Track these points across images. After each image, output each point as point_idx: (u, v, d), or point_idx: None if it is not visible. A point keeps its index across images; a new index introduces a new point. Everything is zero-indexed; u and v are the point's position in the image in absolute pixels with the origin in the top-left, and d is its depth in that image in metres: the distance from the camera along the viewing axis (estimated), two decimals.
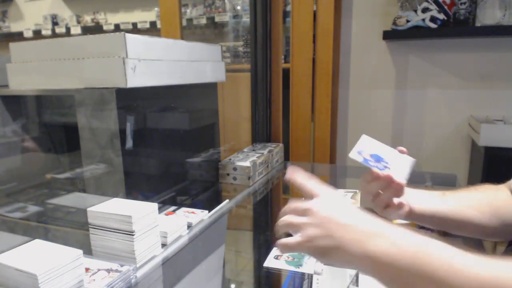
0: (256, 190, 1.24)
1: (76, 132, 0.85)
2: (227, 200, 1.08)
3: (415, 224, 0.93)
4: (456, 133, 1.75)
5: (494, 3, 1.53)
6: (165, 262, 0.76)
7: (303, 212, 0.50)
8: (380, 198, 0.66)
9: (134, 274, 0.67)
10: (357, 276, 0.73)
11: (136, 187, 0.88)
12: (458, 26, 1.59)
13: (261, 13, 1.54)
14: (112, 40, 0.80)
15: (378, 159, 0.65)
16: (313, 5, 1.73)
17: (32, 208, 1.00)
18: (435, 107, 1.76)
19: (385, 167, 0.64)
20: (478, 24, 1.56)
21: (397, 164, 0.65)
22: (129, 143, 0.85)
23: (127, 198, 0.81)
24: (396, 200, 0.65)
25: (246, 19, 2.54)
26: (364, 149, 0.66)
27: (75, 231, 0.89)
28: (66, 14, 3.37)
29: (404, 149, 0.68)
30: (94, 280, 0.61)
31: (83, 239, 0.77)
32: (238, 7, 2.57)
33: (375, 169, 0.63)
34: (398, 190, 0.64)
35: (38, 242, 0.61)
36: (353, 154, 0.65)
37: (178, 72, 0.99)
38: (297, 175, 0.56)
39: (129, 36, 0.80)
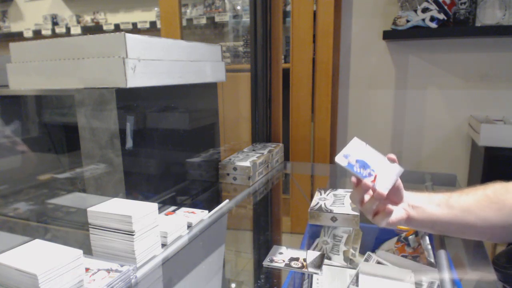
0: (256, 190, 1.24)
1: (76, 132, 0.85)
2: (227, 200, 1.08)
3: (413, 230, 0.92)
4: (456, 133, 1.75)
5: (494, 3, 1.53)
6: (165, 262, 0.75)
7: None
8: (365, 206, 0.65)
9: (134, 274, 0.67)
10: (357, 276, 0.73)
11: (136, 187, 0.88)
12: (458, 26, 1.59)
13: (261, 13, 1.54)
14: (112, 40, 0.80)
15: (364, 165, 0.63)
16: (313, 5, 1.73)
17: (32, 208, 1.00)
18: (435, 107, 1.76)
19: (370, 174, 0.62)
20: (478, 24, 1.56)
21: (383, 173, 0.63)
22: (129, 143, 0.85)
23: (127, 198, 0.81)
24: (383, 207, 0.64)
25: (246, 19, 2.54)
26: (352, 153, 0.64)
27: (75, 231, 0.89)
28: (66, 14, 3.37)
29: (394, 157, 0.66)
30: (94, 280, 0.61)
31: (83, 239, 0.77)
32: (238, 7, 2.57)
33: (358, 175, 0.62)
34: (380, 199, 0.62)
35: (38, 242, 0.61)
36: (339, 158, 0.63)
37: (178, 72, 0.99)
38: None
39: (129, 36, 0.80)
